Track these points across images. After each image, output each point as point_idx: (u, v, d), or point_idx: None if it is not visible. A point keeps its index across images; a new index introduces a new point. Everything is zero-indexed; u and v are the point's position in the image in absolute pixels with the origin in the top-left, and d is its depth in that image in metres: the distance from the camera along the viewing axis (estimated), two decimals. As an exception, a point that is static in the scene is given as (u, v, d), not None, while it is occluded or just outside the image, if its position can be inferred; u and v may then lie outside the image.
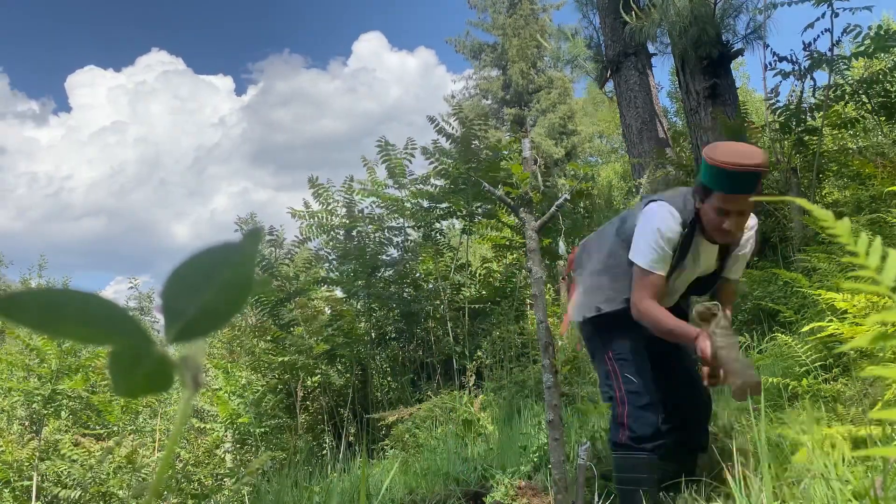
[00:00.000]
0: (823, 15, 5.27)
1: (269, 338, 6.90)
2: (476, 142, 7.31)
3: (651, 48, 8.20)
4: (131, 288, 13.53)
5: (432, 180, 7.49)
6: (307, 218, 7.54)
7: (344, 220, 7.49)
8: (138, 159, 63.23)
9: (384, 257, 7.61)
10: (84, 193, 62.78)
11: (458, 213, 7.44)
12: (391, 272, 7.57)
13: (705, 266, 2.41)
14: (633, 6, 6.91)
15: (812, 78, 5.67)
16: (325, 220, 7.54)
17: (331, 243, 7.65)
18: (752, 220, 2.37)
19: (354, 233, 7.48)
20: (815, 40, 5.49)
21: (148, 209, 61.23)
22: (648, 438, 2.35)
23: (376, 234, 7.57)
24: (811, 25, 5.40)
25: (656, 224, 2.27)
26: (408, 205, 7.55)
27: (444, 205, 7.48)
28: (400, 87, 50.20)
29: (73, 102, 72.08)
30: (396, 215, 7.65)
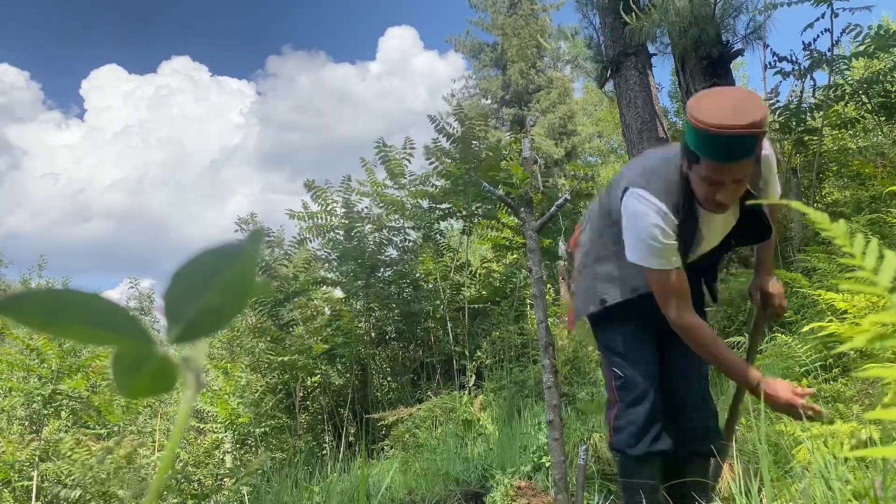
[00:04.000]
0: (823, 15, 5.28)
1: (268, 338, 6.90)
2: (476, 142, 7.30)
3: (651, 48, 8.18)
4: (131, 288, 13.55)
5: (432, 180, 7.48)
6: (305, 219, 7.53)
7: (343, 221, 7.48)
8: (158, 162, 63.20)
9: (383, 257, 7.60)
10: (99, 196, 62.70)
11: (459, 214, 7.44)
12: (391, 272, 7.57)
13: (724, 226, 2.04)
14: (633, 6, 6.90)
15: (812, 78, 5.67)
16: (324, 220, 7.52)
17: (330, 244, 7.64)
18: (765, 148, 1.92)
19: (354, 233, 7.48)
20: (815, 40, 5.49)
21: (161, 211, 61.09)
22: (635, 437, 2.10)
23: (375, 235, 7.56)
24: (811, 25, 5.40)
25: (643, 224, 1.93)
26: (407, 205, 7.55)
27: (444, 205, 7.47)
28: (427, 92, 49.55)
29: (92, 105, 71.70)
30: (396, 216, 7.64)
